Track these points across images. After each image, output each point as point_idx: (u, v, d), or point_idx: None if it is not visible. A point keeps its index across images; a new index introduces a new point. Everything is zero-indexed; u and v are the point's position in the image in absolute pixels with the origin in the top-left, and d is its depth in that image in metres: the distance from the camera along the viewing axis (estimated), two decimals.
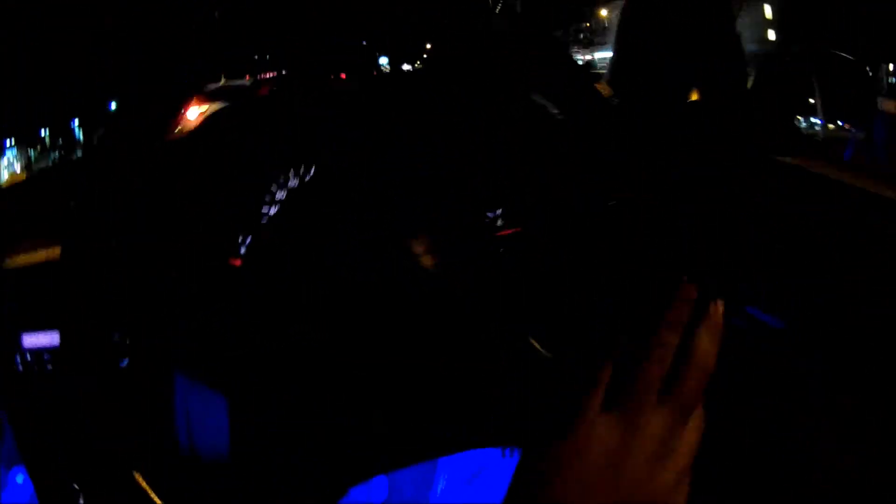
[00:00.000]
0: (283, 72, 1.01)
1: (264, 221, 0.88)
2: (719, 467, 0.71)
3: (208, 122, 0.83)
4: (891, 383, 0.65)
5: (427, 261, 0.83)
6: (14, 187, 0.91)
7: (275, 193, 0.88)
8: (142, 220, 0.81)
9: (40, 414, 0.76)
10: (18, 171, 1.33)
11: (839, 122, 0.94)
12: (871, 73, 0.96)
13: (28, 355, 0.75)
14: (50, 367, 0.75)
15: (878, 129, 0.96)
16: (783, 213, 0.74)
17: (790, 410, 0.69)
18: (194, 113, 0.91)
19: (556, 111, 0.70)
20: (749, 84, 0.92)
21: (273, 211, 0.88)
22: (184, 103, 0.76)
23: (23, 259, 0.83)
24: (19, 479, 0.85)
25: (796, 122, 0.92)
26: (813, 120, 0.94)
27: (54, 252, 0.79)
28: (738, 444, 0.72)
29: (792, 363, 0.70)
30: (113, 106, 0.92)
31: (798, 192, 0.77)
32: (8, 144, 1.11)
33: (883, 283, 0.66)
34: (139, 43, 0.90)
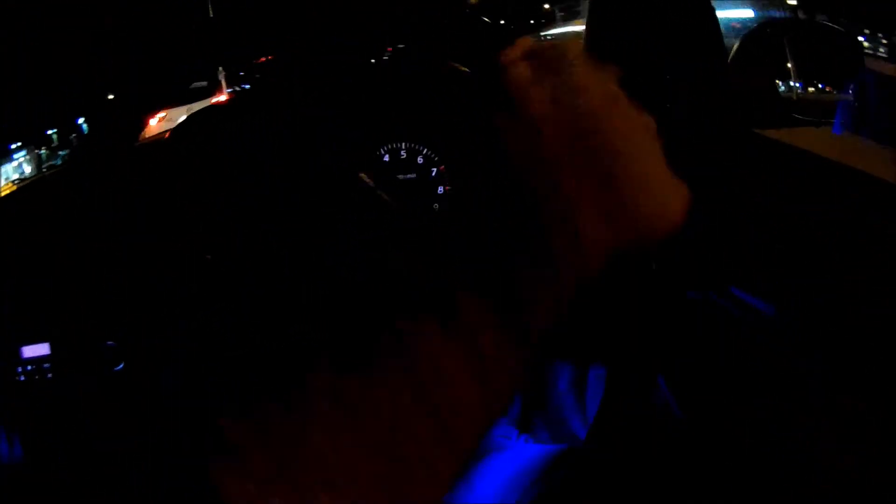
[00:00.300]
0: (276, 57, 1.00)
1: (262, 221, 0.88)
2: (719, 467, 0.71)
3: (188, 124, 0.83)
4: (891, 383, 0.63)
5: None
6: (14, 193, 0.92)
7: (272, 193, 0.88)
8: (139, 221, 0.81)
9: (41, 417, 0.78)
10: (28, 172, 1.34)
11: (820, 86, 0.92)
12: (857, 40, 0.93)
13: (28, 363, 0.76)
14: (50, 372, 0.76)
15: (871, 93, 0.93)
16: (778, 206, 0.73)
17: (790, 410, 0.68)
18: (155, 119, 0.91)
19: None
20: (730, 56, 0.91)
21: (271, 210, 0.88)
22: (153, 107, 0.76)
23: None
24: None
25: (777, 89, 0.90)
26: (793, 84, 0.92)
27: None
28: (739, 444, 0.71)
29: (791, 362, 0.69)
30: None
31: (789, 177, 0.75)
32: (15, 146, 1.11)
33: (881, 278, 0.64)
34: (139, 43, 0.90)
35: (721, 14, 0.92)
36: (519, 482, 0.92)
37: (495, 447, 1.10)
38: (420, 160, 0.89)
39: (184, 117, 0.82)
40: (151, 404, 0.80)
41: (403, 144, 0.88)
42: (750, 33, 0.92)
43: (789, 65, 0.91)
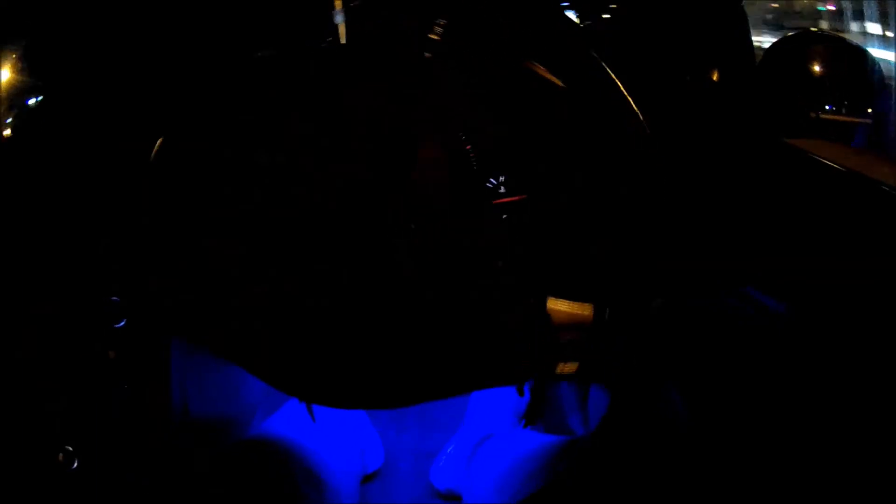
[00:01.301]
0: None
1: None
2: (720, 466, 0.71)
3: None
4: (891, 382, 0.63)
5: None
6: None
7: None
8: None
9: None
10: None
11: (842, 109, 0.91)
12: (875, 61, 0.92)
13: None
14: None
15: (890, 111, 0.93)
16: (790, 201, 0.73)
17: (790, 409, 0.68)
18: None
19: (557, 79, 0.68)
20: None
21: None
22: None
23: None
24: None
25: (802, 104, 0.89)
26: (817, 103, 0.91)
27: None
28: (738, 444, 0.71)
29: (794, 361, 0.68)
30: None
31: (804, 180, 0.75)
32: None
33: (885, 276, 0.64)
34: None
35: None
36: (519, 472, 0.92)
37: (495, 436, 1.10)
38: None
39: None
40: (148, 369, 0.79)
41: None
42: (773, 46, 0.92)
43: (810, 82, 0.90)
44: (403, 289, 0.68)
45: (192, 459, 0.84)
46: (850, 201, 0.72)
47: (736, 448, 0.72)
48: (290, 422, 0.96)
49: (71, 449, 0.72)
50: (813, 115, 0.87)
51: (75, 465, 0.72)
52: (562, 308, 0.69)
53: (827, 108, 0.88)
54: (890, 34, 1.19)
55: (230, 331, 0.71)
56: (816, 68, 0.90)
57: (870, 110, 0.90)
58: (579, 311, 0.68)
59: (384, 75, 0.69)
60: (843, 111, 0.89)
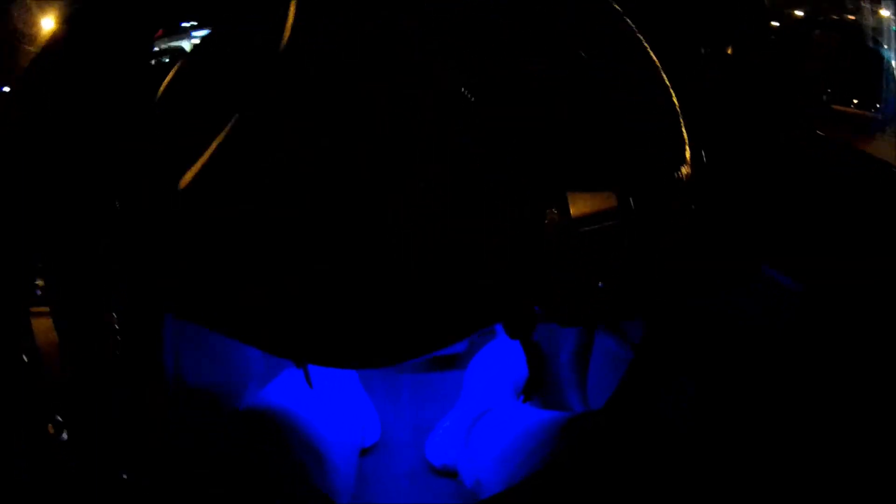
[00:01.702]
0: None
1: None
2: (720, 466, 0.71)
3: None
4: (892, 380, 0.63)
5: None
6: None
7: None
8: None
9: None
10: None
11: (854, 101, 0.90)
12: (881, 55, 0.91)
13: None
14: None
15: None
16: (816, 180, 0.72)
17: (791, 407, 0.68)
18: None
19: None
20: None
21: None
22: None
23: None
24: None
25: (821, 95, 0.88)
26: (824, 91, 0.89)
27: None
28: (736, 445, 0.71)
29: (796, 360, 0.68)
30: None
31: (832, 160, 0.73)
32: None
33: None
34: None
35: None
36: (517, 450, 0.92)
37: (493, 411, 1.10)
38: None
39: None
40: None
41: None
42: (791, 35, 0.89)
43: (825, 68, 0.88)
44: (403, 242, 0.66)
45: (189, 434, 0.84)
46: (868, 187, 0.71)
47: (736, 441, 0.72)
48: (288, 394, 0.95)
49: (62, 419, 0.72)
50: (824, 98, 0.86)
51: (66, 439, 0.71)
52: (583, 201, 0.65)
53: (830, 98, 0.87)
54: None
55: (221, 303, 0.70)
56: (824, 57, 0.88)
57: (874, 102, 0.89)
58: (602, 202, 0.64)
59: (384, 75, 0.66)
60: (852, 102, 0.87)
